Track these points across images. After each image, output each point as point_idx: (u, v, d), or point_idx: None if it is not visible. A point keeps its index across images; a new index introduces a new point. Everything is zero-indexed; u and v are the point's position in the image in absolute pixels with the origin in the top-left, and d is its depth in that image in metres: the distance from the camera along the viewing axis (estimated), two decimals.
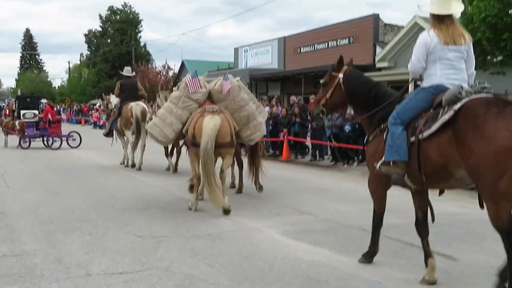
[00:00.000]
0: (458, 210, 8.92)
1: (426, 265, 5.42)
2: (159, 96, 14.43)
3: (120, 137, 15.88)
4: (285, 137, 17.81)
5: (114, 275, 5.54)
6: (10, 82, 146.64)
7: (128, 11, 69.99)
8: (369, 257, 5.93)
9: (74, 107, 56.79)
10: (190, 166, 9.27)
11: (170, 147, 14.00)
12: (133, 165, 14.86)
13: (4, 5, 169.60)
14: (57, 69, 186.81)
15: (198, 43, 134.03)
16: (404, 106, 5.32)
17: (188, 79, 9.37)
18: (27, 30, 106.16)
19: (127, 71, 16.27)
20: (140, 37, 70.17)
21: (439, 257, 6.20)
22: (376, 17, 28.50)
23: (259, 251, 6.38)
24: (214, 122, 8.58)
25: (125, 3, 70.52)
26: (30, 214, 8.60)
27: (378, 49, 27.93)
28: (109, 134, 16.48)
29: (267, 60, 37.53)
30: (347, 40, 29.95)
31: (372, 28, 28.41)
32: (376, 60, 27.67)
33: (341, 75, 6.00)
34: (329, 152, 16.93)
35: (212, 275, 5.51)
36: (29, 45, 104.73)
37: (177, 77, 54.37)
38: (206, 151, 8.32)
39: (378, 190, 5.73)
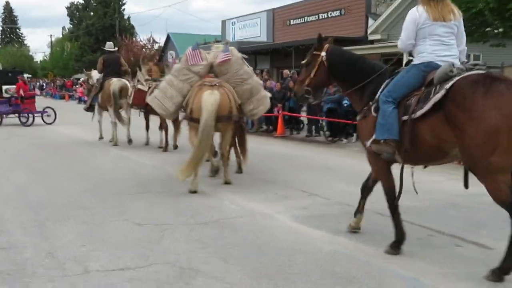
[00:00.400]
0: (476, 189, 8.35)
1: (355, 216, 6.05)
2: (140, 70, 14.19)
3: (100, 113, 15.43)
4: (279, 112, 17.13)
5: (115, 272, 4.94)
6: None
7: None
8: (396, 247, 5.39)
9: (57, 82, 55.47)
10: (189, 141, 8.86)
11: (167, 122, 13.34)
12: (101, 138, 15.12)
13: None
14: (38, 43, 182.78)
15: (183, 16, 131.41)
16: (396, 83, 5.22)
17: (189, 51, 8.98)
18: (7, 3, 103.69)
19: (109, 46, 15.77)
20: (124, 9, 68.54)
21: (472, 246, 5.72)
22: None
23: (275, 242, 5.79)
24: (214, 97, 8.27)
25: None
26: (18, 199, 7.94)
27: (370, 21, 27.26)
28: (90, 109, 16.05)
29: (255, 32, 36.69)
30: (338, 12, 29.23)
31: None
32: (368, 33, 27.02)
33: (323, 53, 5.89)
34: (326, 128, 16.28)
35: (228, 272, 4.91)
36: (9, 19, 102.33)
37: (163, 51, 53.29)
38: (205, 129, 8.06)
39: (379, 164, 5.51)
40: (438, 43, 5.05)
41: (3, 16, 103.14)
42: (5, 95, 22.79)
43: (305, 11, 31.74)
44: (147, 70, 14.27)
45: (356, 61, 5.84)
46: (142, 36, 60.16)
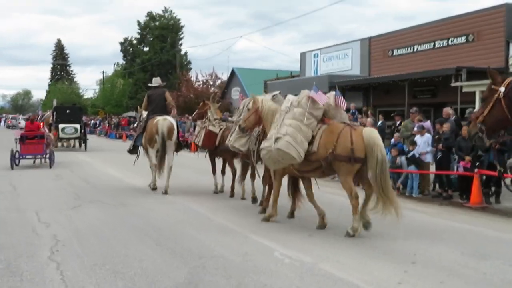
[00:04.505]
0: None
1: None
2: (209, 109, 13.24)
3: (146, 155, 13.81)
4: (475, 170, 11.27)
5: None
6: (40, 94, 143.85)
7: (169, 16, 64.65)
8: None
9: (113, 120, 51.12)
10: (343, 187, 8.56)
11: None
12: (154, 188, 13.18)
13: (31, 18, 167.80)
14: (87, 81, 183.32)
15: (244, 52, 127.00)
16: None
17: (313, 94, 8.85)
18: (59, 41, 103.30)
19: (155, 81, 14.63)
20: (181, 44, 64.67)
21: None
22: (509, 7, 22.21)
23: None
24: (375, 133, 8.58)
25: (165, 8, 65.31)
26: None
27: None
28: (133, 150, 14.44)
29: (345, 65, 31.50)
30: (464, 38, 23.82)
31: (504, 21, 22.14)
32: (510, 63, 21.45)
33: (502, 89, 5.12)
34: None
35: None
36: (60, 56, 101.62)
37: (226, 87, 48.76)
38: (383, 164, 8.21)
39: None
40: None
41: (54, 53, 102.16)
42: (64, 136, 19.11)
43: (415, 38, 26.46)
44: (215, 109, 13.36)
45: None
46: (203, 71, 55.17)
